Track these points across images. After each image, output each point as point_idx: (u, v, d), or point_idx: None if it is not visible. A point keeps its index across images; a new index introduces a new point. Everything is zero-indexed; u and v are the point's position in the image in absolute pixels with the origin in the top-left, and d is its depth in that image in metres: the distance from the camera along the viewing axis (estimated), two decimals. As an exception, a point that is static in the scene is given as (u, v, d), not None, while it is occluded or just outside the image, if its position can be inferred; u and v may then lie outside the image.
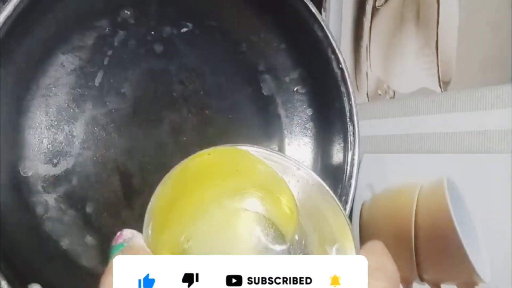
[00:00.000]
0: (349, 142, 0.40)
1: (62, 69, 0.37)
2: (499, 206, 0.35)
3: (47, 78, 0.37)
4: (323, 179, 0.23)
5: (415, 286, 0.40)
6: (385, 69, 0.48)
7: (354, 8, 0.52)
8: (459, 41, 0.41)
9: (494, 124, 0.36)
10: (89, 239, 0.37)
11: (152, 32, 0.39)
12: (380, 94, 0.48)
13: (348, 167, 0.41)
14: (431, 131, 0.41)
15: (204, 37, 0.41)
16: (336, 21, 0.54)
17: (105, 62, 0.38)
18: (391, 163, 0.44)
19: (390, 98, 0.47)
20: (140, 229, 0.22)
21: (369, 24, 0.50)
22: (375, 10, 0.50)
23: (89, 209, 0.38)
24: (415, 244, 0.40)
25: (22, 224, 0.35)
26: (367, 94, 0.50)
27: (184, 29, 0.40)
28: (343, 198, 0.40)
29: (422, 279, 0.39)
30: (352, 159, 0.41)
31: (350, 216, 0.45)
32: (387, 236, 0.43)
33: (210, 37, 0.41)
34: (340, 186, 0.41)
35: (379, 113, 0.46)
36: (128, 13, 0.38)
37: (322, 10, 0.56)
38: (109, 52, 0.38)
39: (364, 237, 0.45)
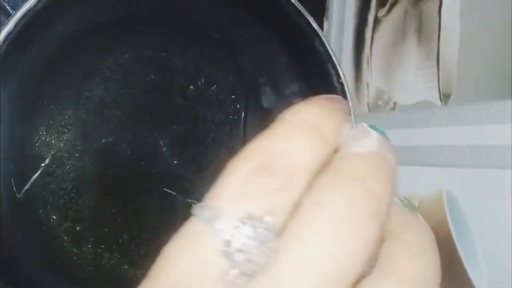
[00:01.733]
0: None
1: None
2: (499, 221, 0.35)
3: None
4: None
5: (412, 299, 0.40)
6: (386, 80, 0.48)
7: (356, 18, 0.53)
8: (460, 54, 0.41)
9: (494, 139, 0.36)
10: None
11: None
12: (380, 105, 0.49)
13: None
14: (431, 144, 0.41)
15: (205, 47, 0.41)
16: (338, 31, 0.54)
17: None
18: (391, 174, 0.44)
19: (391, 109, 0.47)
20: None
21: (370, 35, 0.51)
22: (377, 20, 0.50)
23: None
24: (413, 256, 0.39)
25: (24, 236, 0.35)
26: (368, 104, 0.50)
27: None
28: None
29: (420, 293, 0.39)
30: None
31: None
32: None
33: (212, 48, 0.41)
34: None
35: (379, 124, 0.46)
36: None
37: (324, 19, 0.56)
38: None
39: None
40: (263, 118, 0.44)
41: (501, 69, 0.37)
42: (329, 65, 0.37)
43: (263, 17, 0.39)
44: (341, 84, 0.37)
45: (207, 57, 0.42)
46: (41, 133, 0.37)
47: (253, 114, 0.44)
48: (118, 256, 0.38)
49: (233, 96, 0.43)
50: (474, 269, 0.36)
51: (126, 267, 0.38)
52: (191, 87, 0.41)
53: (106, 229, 0.38)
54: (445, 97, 0.42)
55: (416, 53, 0.45)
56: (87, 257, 0.37)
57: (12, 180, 0.35)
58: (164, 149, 0.40)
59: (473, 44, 0.40)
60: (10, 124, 0.34)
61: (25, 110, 0.36)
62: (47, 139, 0.37)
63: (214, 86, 0.42)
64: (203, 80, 0.42)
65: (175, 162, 0.40)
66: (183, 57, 0.41)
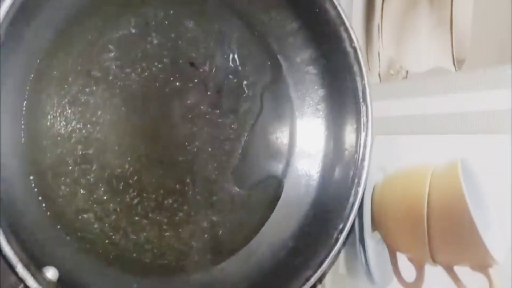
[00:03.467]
0: (362, 123, 0.40)
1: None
2: (514, 187, 0.34)
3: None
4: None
5: (427, 268, 0.40)
6: (398, 49, 0.47)
7: (366, -14, 0.51)
8: (474, 18, 0.40)
9: (510, 104, 0.35)
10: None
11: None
12: (392, 74, 0.48)
13: (361, 149, 0.40)
14: (445, 112, 0.40)
15: (217, 16, 0.41)
16: (347, 0, 0.53)
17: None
18: (404, 144, 0.43)
19: (403, 78, 0.47)
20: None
21: (381, 3, 0.49)
22: (387, -12, 0.49)
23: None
24: (427, 225, 0.39)
25: (36, 208, 0.35)
26: (379, 74, 0.49)
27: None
28: (356, 180, 0.40)
29: (434, 261, 0.39)
30: (365, 141, 0.40)
31: (362, 198, 0.45)
32: (399, 217, 0.42)
33: (223, 15, 0.41)
34: (353, 168, 0.41)
35: (391, 94, 0.46)
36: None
37: (333, -12, 0.55)
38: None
39: (376, 219, 0.45)
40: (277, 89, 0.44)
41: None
42: (341, 29, 0.36)
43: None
44: (354, 49, 0.36)
45: (217, 25, 0.41)
46: (53, 104, 0.36)
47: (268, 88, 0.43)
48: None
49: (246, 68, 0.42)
50: (490, 236, 0.35)
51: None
52: (200, 57, 0.41)
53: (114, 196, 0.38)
54: (459, 62, 0.41)
55: (428, 19, 0.44)
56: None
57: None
58: (176, 119, 0.40)
59: (487, 7, 0.39)
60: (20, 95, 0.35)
61: (36, 79, 0.35)
62: (59, 111, 0.37)
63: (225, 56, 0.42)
64: (213, 49, 0.41)
65: (188, 134, 0.40)
66: (194, 25, 0.41)
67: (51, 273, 0.31)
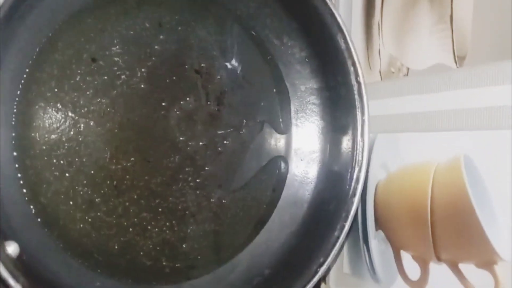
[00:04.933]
0: (357, 160, 0.41)
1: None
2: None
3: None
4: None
5: (432, 266, 0.40)
6: (398, 46, 0.47)
7: (365, -16, 0.51)
8: (474, 14, 0.39)
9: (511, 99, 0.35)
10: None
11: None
12: (393, 72, 0.47)
13: (353, 184, 0.41)
14: (447, 108, 0.40)
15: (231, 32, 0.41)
16: (346, -2, 0.53)
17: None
18: (406, 142, 0.43)
19: (404, 75, 0.46)
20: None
21: (380, 0, 0.49)
22: (386, -15, 0.48)
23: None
24: (431, 223, 0.39)
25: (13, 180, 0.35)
26: (380, 72, 0.49)
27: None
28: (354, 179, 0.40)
29: (439, 259, 0.39)
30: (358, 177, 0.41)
31: (365, 196, 0.45)
32: (402, 216, 0.42)
33: (238, 32, 0.41)
34: (350, 169, 0.41)
35: (392, 91, 0.46)
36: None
37: (332, -13, 0.54)
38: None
39: (379, 217, 0.45)
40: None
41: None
42: (349, 62, 0.37)
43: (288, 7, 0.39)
44: (359, 83, 0.37)
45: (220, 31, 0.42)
46: (50, 86, 0.36)
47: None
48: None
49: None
50: (495, 233, 0.35)
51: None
52: (203, 63, 0.41)
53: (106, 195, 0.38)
54: (460, 59, 0.40)
55: (428, 16, 0.43)
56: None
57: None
58: (172, 122, 0.40)
59: (487, 2, 0.39)
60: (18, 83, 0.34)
61: (36, 68, 0.35)
62: (58, 105, 0.37)
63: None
64: (221, 62, 0.41)
65: (181, 138, 0.40)
66: (207, 35, 0.41)
67: (12, 248, 0.31)
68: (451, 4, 0.41)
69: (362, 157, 0.41)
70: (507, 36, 0.37)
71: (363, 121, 0.41)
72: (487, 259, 0.35)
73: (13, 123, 0.35)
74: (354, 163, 0.41)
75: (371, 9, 0.50)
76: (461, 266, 0.37)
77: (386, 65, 0.48)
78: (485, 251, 0.35)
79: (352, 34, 0.46)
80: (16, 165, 0.35)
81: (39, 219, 0.36)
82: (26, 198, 0.35)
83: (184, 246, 0.40)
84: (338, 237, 0.40)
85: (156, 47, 0.39)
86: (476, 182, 0.37)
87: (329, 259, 0.39)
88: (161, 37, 0.39)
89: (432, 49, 0.43)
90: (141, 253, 0.39)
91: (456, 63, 0.41)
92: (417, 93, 0.43)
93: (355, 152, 0.41)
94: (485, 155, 0.37)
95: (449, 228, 0.38)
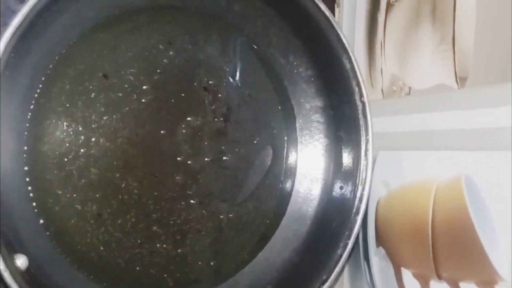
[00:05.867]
0: (360, 178, 0.41)
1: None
2: (519, 203, 0.34)
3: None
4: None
5: (432, 284, 0.40)
6: (401, 66, 0.48)
7: (368, 4, 0.52)
8: (476, 36, 0.40)
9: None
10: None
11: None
12: (395, 91, 0.48)
13: (356, 202, 0.41)
14: (448, 128, 0.41)
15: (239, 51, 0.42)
16: (350, 17, 0.54)
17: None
18: (407, 160, 0.44)
19: (406, 94, 0.47)
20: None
21: (383, 20, 0.50)
22: (389, 5, 0.49)
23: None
24: (432, 241, 0.39)
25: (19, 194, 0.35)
26: (382, 90, 0.50)
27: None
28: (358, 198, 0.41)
29: (440, 277, 0.39)
30: (361, 195, 0.41)
31: (366, 213, 0.45)
32: (403, 233, 0.42)
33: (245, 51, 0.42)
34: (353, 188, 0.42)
35: (394, 110, 0.46)
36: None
37: (336, 6, 0.55)
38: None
39: (380, 234, 0.45)
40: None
41: (519, 50, 0.36)
42: (354, 83, 0.38)
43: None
44: (363, 103, 0.38)
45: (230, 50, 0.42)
46: (61, 101, 0.37)
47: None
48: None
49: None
50: (495, 252, 0.35)
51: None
52: (211, 80, 0.42)
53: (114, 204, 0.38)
54: (461, 80, 0.41)
55: (431, 36, 0.44)
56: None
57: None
58: (179, 138, 0.41)
59: (489, 25, 0.39)
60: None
61: (48, 84, 0.36)
62: (69, 120, 0.37)
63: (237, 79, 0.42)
64: (229, 81, 0.42)
65: (188, 153, 0.41)
66: (209, 48, 0.42)
67: (21, 261, 0.32)
68: (453, 26, 0.42)
69: (365, 175, 0.41)
70: (509, 58, 0.38)
71: (367, 140, 0.41)
72: (487, 279, 0.36)
73: (25, 137, 0.35)
74: (357, 181, 0.41)
75: (374, 28, 0.51)
76: (462, 285, 0.38)
77: (389, 83, 0.49)
78: (485, 270, 0.36)
79: (355, 53, 0.46)
80: (27, 179, 0.35)
81: (47, 233, 0.36)
82: (36, 211, 0.36)
83: (188, 260, 0.41)
84: (341, 255, 0.40)
85: (166, 64, 0.40)
86: (477, 201, 0.37)
87: (332, 277, 0.40)
88: (171, 54, 0.40)
89: (434, 70, 0.44)
90: (146, 267, 0.39)
91: (457, 83, 0.41)
92: (419, 112, 0.44)
93: (358, 171, 0.41)
94: (485, 175, 0.37)
95: (450, 247, 0.38)
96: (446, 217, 0.39)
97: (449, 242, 0.38)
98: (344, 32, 0.40)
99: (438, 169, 0.41)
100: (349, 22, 0.54)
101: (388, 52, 0.49)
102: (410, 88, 0.47)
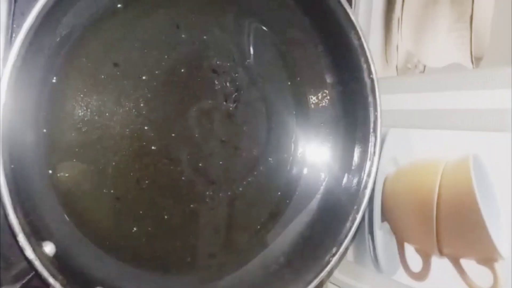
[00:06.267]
0: (370, 152, 0.41)
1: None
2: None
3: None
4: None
5: (434, 260, 0.41)
6: (417, 43, 0.47)
7: (388, -21, 0.52)
8: (494, 17, 0.40)
9: (524, 103, 0.36)
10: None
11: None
12: (410, 68, 0.48)
13: (365, 177, 0.42)
14: (460, 108, 0.41)
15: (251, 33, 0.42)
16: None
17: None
18: (418, 138, 0.44)
19: (420, 72, 0.47)
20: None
21: (402, -4, 0.50)
22: (409, -19, 0.49)
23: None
24: (436, 218, 0.40)
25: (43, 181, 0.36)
26: (397, 67, 0.49)
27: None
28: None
29: (441, 253, 0.40)
30: (370, 170, 0.42)
31: (373, 188, 0.46)
32: (409, 209, 0.43)
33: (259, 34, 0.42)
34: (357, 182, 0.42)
35: (407, 87, 0.46)
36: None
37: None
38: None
39: (386, 210, 0.46)
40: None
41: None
42: (362, 59, 0.38)
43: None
44: (372, 80, 0.38)
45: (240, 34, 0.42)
46: (76, 92, 0.37)
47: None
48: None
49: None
50: (497, 231, 0.36)
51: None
52: (219, 62, 0.42)
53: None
54: (476, 60, 0.41)
55: (448, 15, 0.44)
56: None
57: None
58: (190, 121, 0.41)
59: (508, 5, 0.39)
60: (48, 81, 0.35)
61: (61, 75, 0.36)
62: (84, 109, 0.38)
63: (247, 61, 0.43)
64: (238, 63, 0.42)
65: (200, 136, 0.41)
66: (217, 30, 0.42)
67: (49, 248, 0.33)
68: (472, 5, 0.41)
69: (374, 151, 0.42)
70: (525, 40, 0.37)
71: (375, 116, 0.41)
72: (488, 256, 0.36)
73: (44, 130, 0.36)
74: (366, 156, 0.42)
75: (392, 4, 0.50)
76: (462, 261, 0.38)
77: (403, 60, 0.49)
78: (486, 248, 0.36)
79: (371, 28, 0.46)
80: (49, 171, 0.36)
81: (69, 219, 0.37)
82: (57, 199, 0.36)
83: (204, 235, 0.42)
84: (350, 228, 0.41)
85: (174, 48, 0.40)
86: (483, 181, 0.37)
87: (341, 250, 0.41)
88: (179, 38, 0.40)
89: (450, 48, 0.44)
90: (165, 244, 0.40)
91: (472, 63, 0.41)
92: (432, 91, 0.44)
93: (367, 146, 0.42)
94: (494, 156, 0.37)
95: (453, 224, 0.39)
96: (452, 195, 0.39)
97: (453, 220, 0.39)
98: (361, 8, 0.40)
99: (448, 148, 0.41)
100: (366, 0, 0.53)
101: (405, 28, 0.49)
102: (424, 66, 0.47)
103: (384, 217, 0.46)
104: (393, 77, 0.49)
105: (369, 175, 0.42)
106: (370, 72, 0.40)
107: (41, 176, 0.36)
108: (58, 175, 0.37)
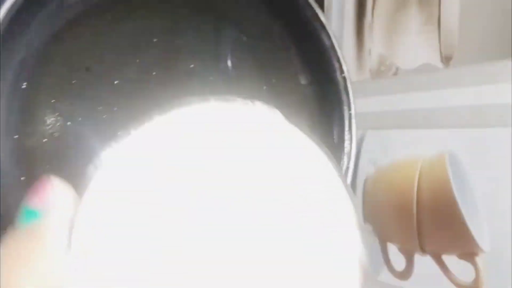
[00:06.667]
0: (345, 152, 0.42)
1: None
2: (500, 179, 0.35)
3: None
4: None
5: (417, 257, 0.41)
6: (388, 46, 0.48)
7: (357, -15, 0.53)
8: (461, 17, 0.41)
9: (495, 99, 0.37)
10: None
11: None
12: (383, 71, 0.49)
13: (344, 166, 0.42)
14: (434, 107, 0.41)
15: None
16: (339, 1, 0.54)
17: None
18: (394, 138, 0.45)
19: (393, 74, 0.48)
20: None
21: (372, 1, 0.51)
22: (378, -14, 0.50)
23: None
24: (417, 217, 0.40)
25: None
26: (370, 70, 0.50)
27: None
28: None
29: (423, 251, 0.40)
30: (347, 169, 0.42)
31: (354, 191, 0.46)
32: (389, 209, 0.44)
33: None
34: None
35: (382, 90, 0.47)
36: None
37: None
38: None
39: (367, 211, 0.46)
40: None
41: (501, 30, 0.37)
42: (334, 59, 0.38)
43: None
44: (344, 79, 0.38)
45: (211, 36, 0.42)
46: (48, 97, 0.37)
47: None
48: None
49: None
50: (476, 226, 0.37)
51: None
52: (193, 65, 0.42)
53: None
54: (446, 59, 0.42)
55: (417, 17, 0.45)
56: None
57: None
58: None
59: (473, 5, 0.40)
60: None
61: (32, 80, 0.36)
62: (56, 115, 0.37)
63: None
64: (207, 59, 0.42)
65: None
66: (193, 36, 0.42)
67: None
68: (439, 6, 0.43)
69: (350, 149, 0.42)
70: (491, 38, 0.39)
71: (349, 114, 0.42)
72: (469, 251, 0.37)
73: (16, 136, 0.35)
74: (342, 154, 0.42)
75: (363, 9, 0.51)
76: (444, 257, 0.39)
77: (376, 64, 0.50)
78: (467, 243, 0.37)
79: (343, 34, 0.47)
80: (22, 178, 0.35)
81: None
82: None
83: None
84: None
85: (148, 52, 0.40)
86: (460, 177, 0.38)
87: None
88: (150, 42, 0.40)
89: (420, 49, 0.45)
90: None
91: (442, 63, 0.42)
92: (406, 91, 0.45)
93: (343, 145, 0.42)
94: (469, 151, 0.38)
95: (434, 221, 0.39)
96: (430, 193, 0.40)
97: (433, 217, 0.40)
98: (333, 15, 0.40)
99: (425, 146, 0.42)
100: (338, 6, 0.54)
101: (376, 32, 0.50)
102: (397, 68, 0.47)
103: (366, 218, 0.46)
104: (367, 80, 0.50)
105: (346, 172, 0.42)
106: (342, 71, 0.40)
107: (15, 182, 0.35)
108: (32, 181, 0.36)
